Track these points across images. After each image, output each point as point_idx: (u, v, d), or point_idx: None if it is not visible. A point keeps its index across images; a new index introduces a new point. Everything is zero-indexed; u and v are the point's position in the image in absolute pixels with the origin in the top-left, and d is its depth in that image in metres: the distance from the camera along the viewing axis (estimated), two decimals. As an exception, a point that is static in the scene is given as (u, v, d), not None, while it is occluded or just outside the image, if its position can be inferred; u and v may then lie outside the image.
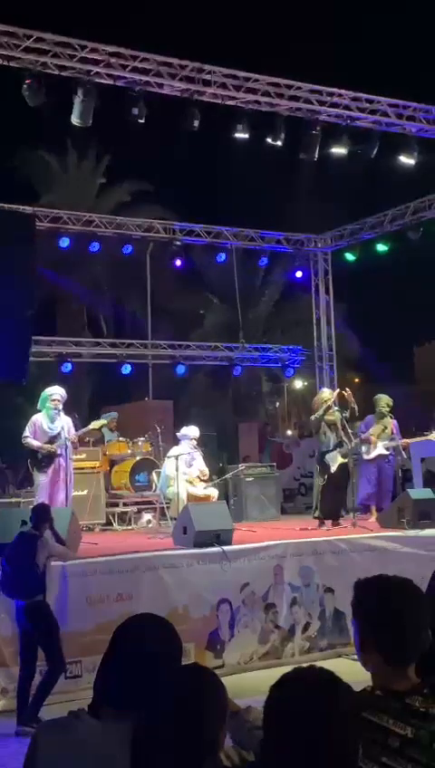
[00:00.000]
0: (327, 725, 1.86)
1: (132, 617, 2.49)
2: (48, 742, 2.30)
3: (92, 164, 27.43)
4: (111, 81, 10.97)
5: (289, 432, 22.90)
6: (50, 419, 10.44)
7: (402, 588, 2.50)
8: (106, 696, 2.34)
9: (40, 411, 10.59)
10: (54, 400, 10.49)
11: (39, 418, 10.48)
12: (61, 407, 10.53)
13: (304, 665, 2.07)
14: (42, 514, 7.63)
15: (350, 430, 11.65)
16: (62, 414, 10.53)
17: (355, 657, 2.53)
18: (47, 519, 7.60)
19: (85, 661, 7.81)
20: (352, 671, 2.39)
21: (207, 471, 11.77)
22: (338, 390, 12.24)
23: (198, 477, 11.57)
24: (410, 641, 2.40)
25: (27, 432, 10.45)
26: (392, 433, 12.26)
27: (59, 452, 10.34)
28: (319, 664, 2.10)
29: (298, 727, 1.87)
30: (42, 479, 10.34)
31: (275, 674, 2.01)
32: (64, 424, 10.51)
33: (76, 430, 10.89)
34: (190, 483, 11.41)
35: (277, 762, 1.89)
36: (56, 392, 10.60)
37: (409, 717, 2.27)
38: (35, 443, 10.34)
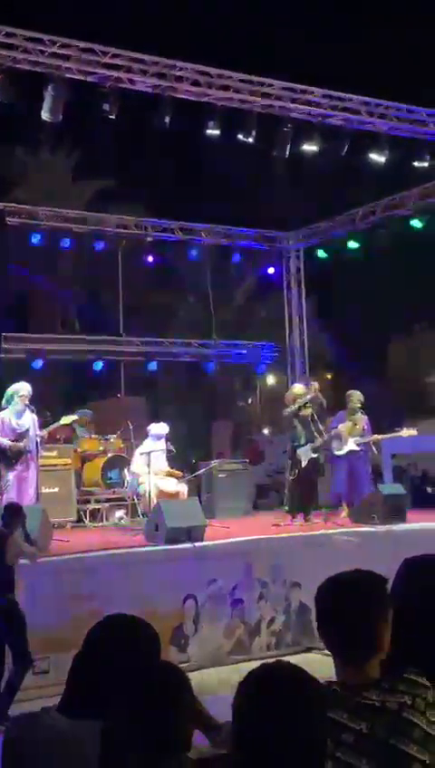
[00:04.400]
0: (294, 720, 1.88)
1: (108, 617, 2.49)
2: (18, 738, 2.30)
3: (64, 159, 27.34)
4: (81, 77, 10.93)
5: (265, 431, 23.01)
6: (17, 416, 10.37)
7: (344, 583, 2.51)
8: (77, 694, 2.34)
9: (4, 409, 10.51)
10: (22, 396, 10.42)
11: (6, 416, 10.39)
12: (28, 402, 10.47)
13: (271, 660, 2.08)
14: (13, 513, 7.60)
15: (320, 425, 11.71)
16: (28, 410, 10.47)
17: (326, 651, 2.55)
18: (18, 517, 7.58)
19: (54, 658, 7.79)
20: (321, 666, 2.40)
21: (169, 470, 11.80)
22: (310, 385, 12.29)
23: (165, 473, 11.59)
24: (352, 637, 2.41)
25: None
26: (364, 429, 12.31)
27: (29, 449, 10.29)
28: (288, 659, 2.12)
29: (266, 723, 1.88)
30: (10, 476, 10.28)
31: (243, 669, 2.02)
32: (33, 420, 10.46)
33: (45, 427, 10.85)
34: (162, 479, 11.41)
35: (247, 757, 1.90)
36: (24, 388, 10.52)
37: (364, 712, 2.27)
38: (4, 440, 10.27)
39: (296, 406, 11.71)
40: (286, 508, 11.77)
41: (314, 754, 1.92)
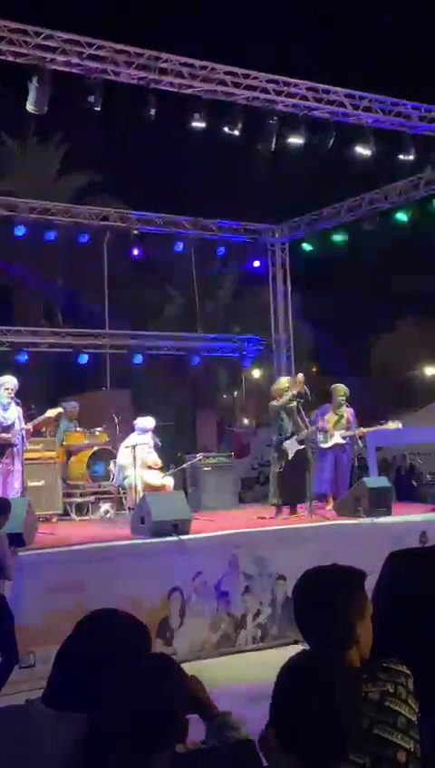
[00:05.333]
0: (332, 702, 1.97)
1: (99, 610, 2.48)
2: (3, 730, 2.29)
3: (49, 151, 27.24)
4: (66, 69, 10.88)
5: (245, 421, 23.01)
6: (3, 409, 10.35)
7: (321, 577, 2.53)
8: (62, 686, 2.33)
9: None
10: (8, 390, 10.40)
11: (-9, 409, 10.38)
12: (14, 396, 10.45)
13: (302, 650, 2.19)
14: (2, 509, 7.57)
15: (307, 418, 11.72)
16: (13, 404, 10.44)
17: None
18: (6, 513, 7.55)
19: (39, 652, 7.77)
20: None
21: (158, 462, 11.81)
22: (297, 377, 12.30)
23: (151, 466, 11.58)
24: (326, 630, 2.42)
25: None
26: (349, 422, 12.34)
27: (15, 442, 10.26)
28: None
29: (307, 705, 1.97)
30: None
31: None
32: (18, 413, 10.43)
33: (31, 420, 10.83)
34: (148, 472, 11.41)
35: (290, 736, 1.99)
36: (9, 381, 10.50)
37: None
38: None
39: (283, 399, 11.72)
40: (273, 501, 11.78)
41: (350, 729, 2.05)
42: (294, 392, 11.69)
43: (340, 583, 2.50)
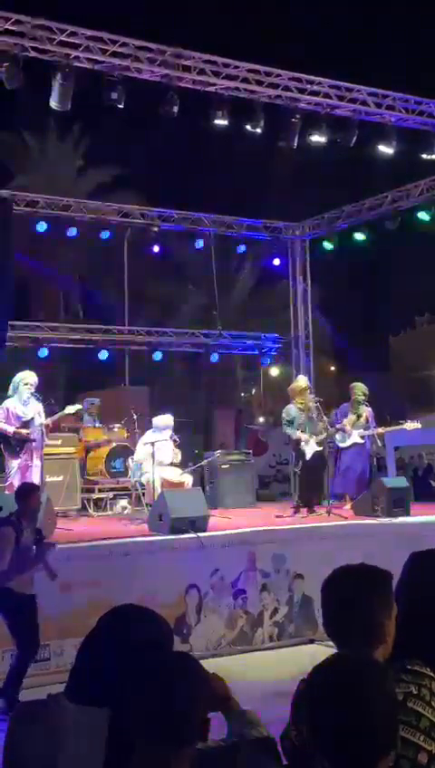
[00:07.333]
0: (369, 705, 1.93)
1: (122, 605, 2.49)
2: (24, 725, 2.30)
3: (71, 148, 27.32)
4: (89, 66, 10.89)
5: (261, 419, 22.98)
6: (23, 404, 10.39)
7: (351, 575, 2.55)
8: (85, 681, 2.34)
9: (10, 397, 10.53)
10: (28, 385, 10.44)
11: (12, 404, 10.42)
12: (33, 391, 10.49)
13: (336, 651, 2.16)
14: (22, 495, 7.64)
15: (325, 418, 11.72)
16: (33, 399, 10.48)
17: (328, 642, 2.56)
18: (28, 500, 7.60)
19: (54, 645, 7.81)
20: (324, 657, 2.41)
21: (178, 458, 11.83)
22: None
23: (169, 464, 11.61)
24: (355, 628, 2.42)
25: None
26: (367, 421, 12.32)
27: (33, 437, 10.30)
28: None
29: (342, 708, 1.93)
30: (14, 464, 10.30)
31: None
32: (38, 409, 10.47)
33: (48, 416, 10.88)
34: (165, 469, 11.43)
35: (323, 741, 1.96)
36: (30, 377, 10.55)
37: None
38: (9, 428, 10.29)
39: (300, 398, 11.72)
40: (297, 501, 11.80)
41: (390, 734, 1.99)
42: (308, 392, 11.73)
43: (370, 582, 2.50)
